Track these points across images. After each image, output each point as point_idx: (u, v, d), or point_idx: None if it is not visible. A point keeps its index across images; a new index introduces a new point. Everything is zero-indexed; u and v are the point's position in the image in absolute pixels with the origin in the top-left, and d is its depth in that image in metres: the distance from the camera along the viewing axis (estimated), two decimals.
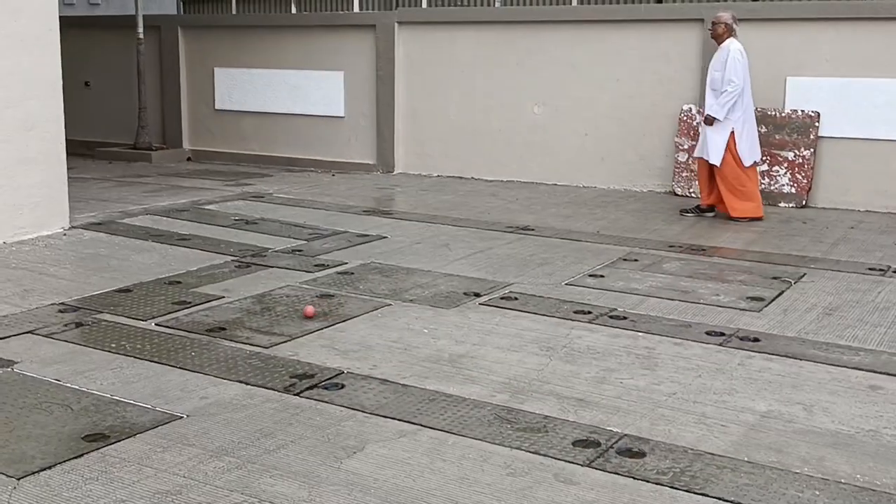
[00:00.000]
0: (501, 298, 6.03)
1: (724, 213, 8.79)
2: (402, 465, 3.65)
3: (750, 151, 8.68)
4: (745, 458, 3.75)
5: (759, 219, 8.71)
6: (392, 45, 11.67)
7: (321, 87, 12.13)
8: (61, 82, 7.92)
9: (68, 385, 4.50)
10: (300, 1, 12.82)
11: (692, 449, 3.83)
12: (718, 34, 8.68)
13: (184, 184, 10.80)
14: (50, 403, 4.28)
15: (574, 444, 3.85)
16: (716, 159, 8.62)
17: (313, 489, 3.45)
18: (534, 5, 11.24)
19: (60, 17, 8.02)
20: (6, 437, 3.91)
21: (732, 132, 8.57)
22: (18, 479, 3.53)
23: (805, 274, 6.75)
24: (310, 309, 4.65)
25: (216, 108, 13.00)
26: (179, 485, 3.49)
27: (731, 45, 8.59)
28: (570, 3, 11.07)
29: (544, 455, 3.75)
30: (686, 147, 10.08)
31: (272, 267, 6.88)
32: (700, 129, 8.98)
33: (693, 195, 10.01)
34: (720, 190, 8.74)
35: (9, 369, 4.71)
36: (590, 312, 5.72)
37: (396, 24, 11.68)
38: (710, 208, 8.93)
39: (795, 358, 4.95)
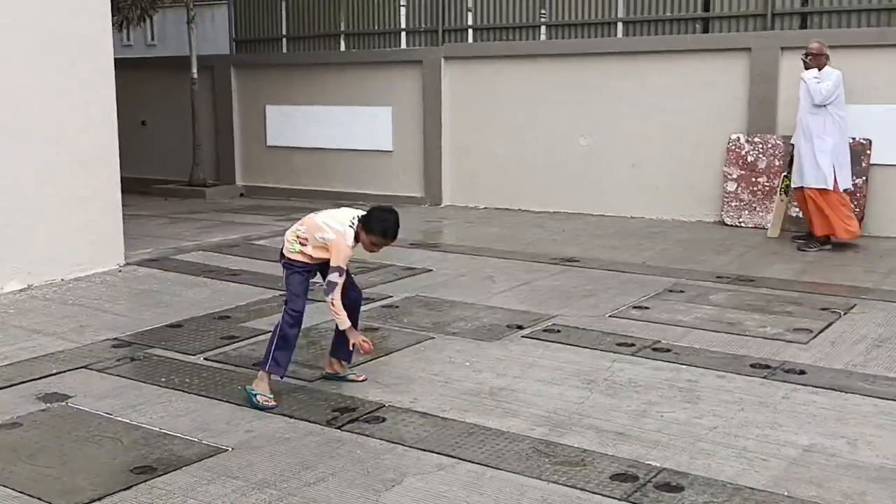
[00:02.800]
0: (544, 331, 6.06)
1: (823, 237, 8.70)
2: (439, 499, 3.69)
3: (841, 176, 8.60)
4: (785, 493, 3.72)
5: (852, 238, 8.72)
6: (439, 80, 11.82)
7: (370, 122, 12.32)
8: (116, 121, 8.17)
9: (119, 419, 4.63)
10: (348, 38, 13.03)
11: (731, 483, 3.81)
12: (822, 64, 8.64)
13: (236, 219, 11.01)
14: (101, 437, 4.41)
15: (612, 478, 3.86)
16: (818, 182, 8.54)
17: None
18: (579, 38, 11.28)
19: (118, 58, 8.29)
20: (59, 470, 4.03)
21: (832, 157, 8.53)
22: None
23: (855, 305, 6.66)
24: (367, 346, 4.82)
25: (268, 144, 13.26)
26: None
27: (831, 73, 8.57)
28: (616, 35, 11.11)
29: (581, 489, 3.76)
30: (735, 176, 10.04)
31: (319, 301, 6.95)
32: (795, 158, 8.88)
33: (742, 225, 9.94)
34: (824, 214, 8.60)
35: (63, 403, 4.86)
36: (633, 345, 5.71)
37: (443, 60, 11.83)
38: (827, 238, 8.74)
39: (841, 391, 4.90)
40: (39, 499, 3.76)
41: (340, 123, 12.53)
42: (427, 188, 12.05)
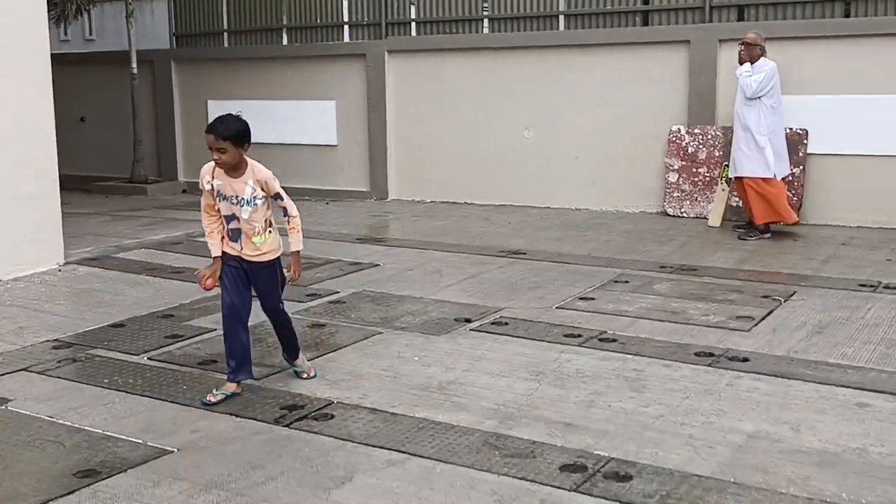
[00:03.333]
0: (492, 324, 6.07)
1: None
2: (390, 495, 3.68)
3: (778, 165, 8.73)
4: (732, 480, 3.78)
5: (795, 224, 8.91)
6: (382, 74, 11.77)
7: (314, 116, 12.23)
8: (54, 119, 8.00)
9: (61, 422, 4.54)
10: (291, 32, 12.91)
11: (679, 471, 3.86)
12: (755, 55, 8.74)
13: (178, 216, 10.85)
14: (43, 440, 4.32)
15: (561, 468, 3.88)
16: (759, 171, 8.68)
17: None
18: (521, 31, 11.31)
19: (55, 53, 8.12)
20: (0, 475, 3.94)
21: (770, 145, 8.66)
22: None
23: (795, 292, 6.78)
24: (209, 283, 4.75)
25: None
26: None
27: (765, 64, 8.67)
28: (558, 28, 11.16)
29: (531, 481, 3.77)
30: (676, 167, 10.16)
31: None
32: (733, 150, 8.99)
33: (684, 215, 10.07)
34: (766, 202, 8.72)
35: (2, 407, 4.75)
36: (580, 336, 5.75)
37: (386, 53, 11.78)
38: (767, 227, 8.87)
39: (784, 377, 4.98)
40: None
41: (284, 118, 12.41)
42: (373, 182, 12.00)
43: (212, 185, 4.71)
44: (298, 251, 4.89)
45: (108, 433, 4.38)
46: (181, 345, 5.77)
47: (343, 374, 5.17)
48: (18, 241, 7.65)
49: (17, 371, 5.33)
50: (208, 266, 4.88)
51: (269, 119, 12.46)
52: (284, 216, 4.84)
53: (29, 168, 7.75)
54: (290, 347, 5.07)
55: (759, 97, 8.62)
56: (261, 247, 4.77)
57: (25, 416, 4.63)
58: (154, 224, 10.29)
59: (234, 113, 4.68)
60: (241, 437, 4.31)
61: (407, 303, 6.67)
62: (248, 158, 4.70)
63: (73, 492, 3.78)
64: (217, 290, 4.89)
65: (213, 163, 4.67)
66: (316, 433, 4.32)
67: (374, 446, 4.15)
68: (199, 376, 5.17)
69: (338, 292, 7.03)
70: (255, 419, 4.51)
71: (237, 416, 4.57)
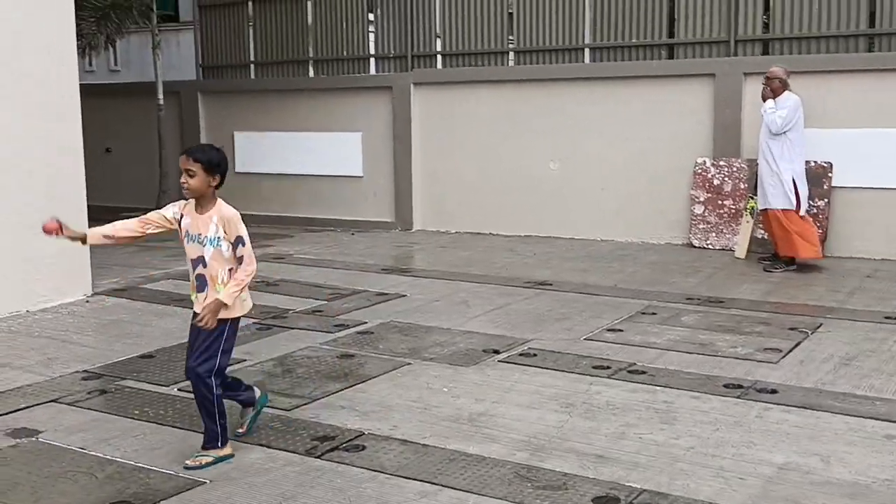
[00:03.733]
0: (520, 355, 6.07)
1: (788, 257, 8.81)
2: None
3: (803, 199, 8.74)
4: None
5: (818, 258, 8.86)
6: (408, 105, 11.87)
7: (340, 148, 12.33)
8: (82, 150, 8.10)
9: (93, 453, 4.56)
10: (317, 64, 13.05)
11: (710, 503, 3.84)
12: (775, 88, 8.76)
13: None
14: (75, 472, 4.34)
15: (594, 500, 3.87)
16: (783, 203, 8.66)
17: None
18: (547, 63, 11.39)
19: (81, 84, 8.22)
20: None
21: (793, 179, 8.66)
22: None
23: (822, 324, 6.75)
24: (51, 224, 4.31)
25: (236, 170, 13.20)
26: None
27: (789, 99, 8.69)
28: (583, 61, 11.23)
29: None
30: (702, 199, 10.15)
31: (293, 328, 6.96)
32: (760, 182, 8.98)
33: (710, 247, 10.05)
34: (789, 235, 8.69)
35: (34, 439, 4.78)
36: (609, 367, 5.75)
37: (412, 85, 11.89)
38: (792, 259, 8.83)
39: (812, 409, 4.96)
40: None
41: (310, 149, 12.52)
42: (398, 213, 12.07)
43: (179, 217, 4.44)
44: (226, 304, 4.31)
45: (140, 464, 4.40)
46: None
47: (373, 405, 5.18)
48: (46, 271, 7.73)
49: (46, 402, 5.37)
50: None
51: (295, 150, 12.61)
52: (237, 266, 4.35)
53: (57, 199, 7.83)
54: (205, 429, 4.42)
55: (784, 131, 8.63)
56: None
57: (57, 447, 4.66)
58: (180, 255, 10.28)
59: (216, 146, 4.48)
60: (273, 468, 4.33)
61: (435, 333, 6.68)
62: (218, 198, 4.43)
63: None
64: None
65: (184, 200, 4.45)
66: (347, 464, 4.33)
67: (405, 478, 4.16)
68: (229, 407, 5.17)
69: (365, 322, 7.05)
70: (286, 450, 4.53)
71: (268, 447, 4.58)
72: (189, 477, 4.24)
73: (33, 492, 4.12)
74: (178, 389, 5.54)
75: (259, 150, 12.92)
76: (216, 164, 4.35)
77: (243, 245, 4.34)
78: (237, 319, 4.48)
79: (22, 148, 7.60)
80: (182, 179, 4.34)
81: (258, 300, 7.87)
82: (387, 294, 8.08)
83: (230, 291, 4.30)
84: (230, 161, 13.21)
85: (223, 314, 4.34)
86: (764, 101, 8.85)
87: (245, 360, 6.08)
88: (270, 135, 12.84)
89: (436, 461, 4.34)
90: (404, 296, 8.02)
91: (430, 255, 10.25)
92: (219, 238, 4.34)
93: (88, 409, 5.23)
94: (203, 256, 4.37)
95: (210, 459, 4.36)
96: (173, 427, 4.91)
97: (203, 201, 4.39)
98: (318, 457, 4.44)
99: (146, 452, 4.56)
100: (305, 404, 5.20)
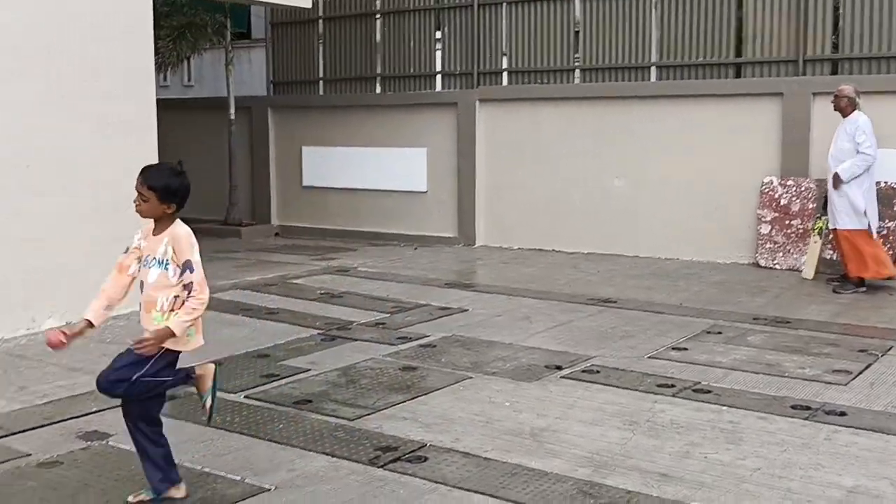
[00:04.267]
0: (583, 371, 6.05)
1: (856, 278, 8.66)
2: None
3: (873, 219, 8.60)
4: None
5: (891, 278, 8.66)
6: (473, 122, 11.94)
7: (404, 163, 12.45)
8: (158, 160, 8.30)
9: None
10: (385, 81, 13.20)
11: None
12: (842, 107, 8.66)
13: (272, 258, 11.11)
14: (143, 476, 4.41)
15: None
16: (853, 224, 8.54)
17: None
18: (613, 81, 11.37)
19: (156, 99, 8.44)
20: None
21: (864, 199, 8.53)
22: None
23: (892, 347, 6.61)
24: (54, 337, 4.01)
25: (303, 184, 13.42)
26: None
27: (859, 118, 8.57)
28: (649, 79, 11.18)
29: None
30: (769, 219, 10.02)
31: (356, 340, 7.03)
32: (829, 202, 8.83)
33: (777, 267, 9.91)
34: (859, 255, 8.55)
35: (104, 442, 4.90)
36: (673, 386, 5.70)
37: (478, 102, 11.96)
38: (862, 281, 8.68)
39: (882, 432, 4.86)
40: None
41: (375, 164, 12.66)
42: (461, 228, 12.12)
43: (139, 245, 4.10)
44: (173, 334, 3.91)
45: (207, 470, 4.49)
46: (277, 384, 5.89)
47: (435, 417, 5.21)
48: None
49: (117, 407, 5.45)
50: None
51: (362, 165, 12.75)
52: (187, 295, 3.94)
53: (130, 210, 8.01)
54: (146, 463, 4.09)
55: (858, 151, 8.47)
56: (158, 325, 3.96)
57: (126, 451, 4.74)
58: (248, 266, 10.55)
59: (178, 166, 4.09)
60: (337, 476, 4.38)
61: (497, 348, 6.70)
62: (177, 219, 4.06)
63: None
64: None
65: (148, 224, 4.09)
66: (410, 475, 4.36)
67: (467, 490, 4.17)
68: (294, 416, 5.26)
69: (428, 336, 7.09)
70: (349, 459, 4.58)
71: (332, 455, 4.63)
72: (254, 483, 4.31)
73: (103, 493, 4.22)
74: (245, 397, 5.63)
75: (326, 165, 13.10)
76: (173, 191, 3.97)
77: (191, 271, 3.91)
78: (175, 353, 4.06)
79: (101, 161, 7.81)
80: (135, 200, 4.01)
81: (323, 312, 8.00)
82: (449, 308, 8.12)
83: (181, 320, 3.90)
84: (297, 175, 13.44)
85: (167, 344, 3.95)
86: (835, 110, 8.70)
87: (310, 370, 6.17)
88: (337, 150, 13.01)
89: (497, 475, 4.35)
90: (466, 310, 8.05)
91: (493, 271, 10.26)
92: (167, 260, 3.95)
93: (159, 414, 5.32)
94: (143, 279, 4.02)
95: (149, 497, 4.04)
96: (240, 434, 4.99)
97: (159, 223, 4.04)
98: (381, 467, 4.47)
99: (213, 458, 4.64)
100: (368, 414, 5.25)
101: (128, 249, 4.14)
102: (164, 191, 3.96)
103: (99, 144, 7.80)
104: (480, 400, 5.50)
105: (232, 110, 13.32)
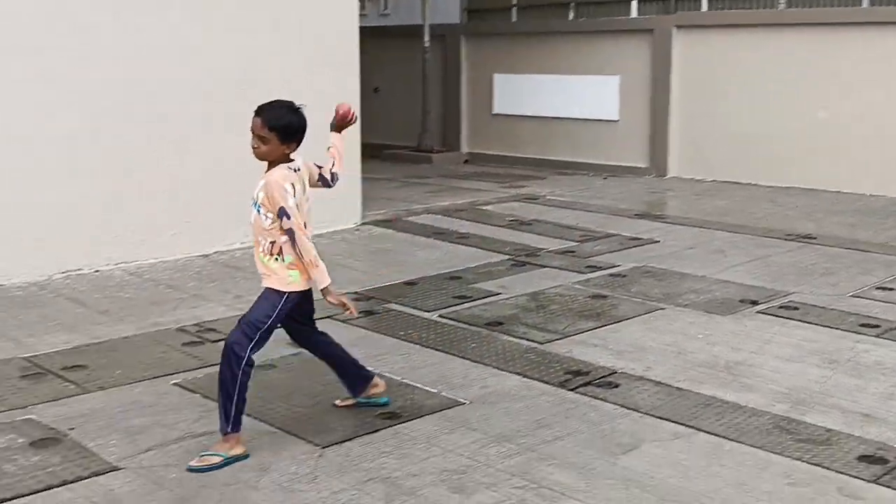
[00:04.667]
0: (780, 307, 5.88)
1: None
2: (678, 467, 3.70)
3: None
4: None
5: None
6: (669, 49, 11.58)
7: (596, 91, 12.25)
8: (359, 89, 8.56)
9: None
10: (578, 7, 12.97)
11: None
12: None
13: (462, 185, 11.28)
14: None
15: (859, 458, 3.74)
16: None
17: (590, 481, 3.58)
18: (821, 6, 10.73)
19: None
20: (311, 410, 4.33)
21: None
22: (323, 448, 3.92)
23: None
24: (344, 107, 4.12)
25: (493, 112, 13.45)
26: (465, 465, 3.74)
27: None
28: (861, 5, 10.48)
29: (827, 468, 3.66)
30: None
31: (545, 266, 7.09)
32: None
33: None
34: None
35: None
36: (878, 326, 5.46)
37: (674, 28, 11.57)
38: None
39: None
40: (296, 435, 4.05)
41: (566, 92, 12.52)
42: (652, 159, 11.87)
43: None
44: (326, 286, 3.88)
45: (405, 381, 4.69)
46: (468, 305, 6.04)
47: (626, 345, 5.21)
48: (325, 200, 8.21)
49: (322, 318, 5.73)
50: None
51: (552, 93, 12.64)
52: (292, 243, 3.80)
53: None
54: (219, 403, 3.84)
55: None
56: (265, 265, 3.89)
57: None
58: (440, 191, 10.76)
59: (297, 104, 3.88)
60: (529, 395, 4.48)
61: (689, 280, 6.59)
62: (281, 163, 3.88)
63: (377, 431, 4.09)
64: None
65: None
66: (601, 400, 4.40)
67: (659, 418, 4.18)
68: (486, 336, 5.40)
69: (618, 266, 7.06)
70: (540, 381, 4.66)
71: (524, 375, 4.74)
72: (450, 396, 4.47)
73: (312, 396, 4.49)
74: (439, 316, 5.81)
75: (517, 93, 13.07)
76: (294, 130, 3.81)
77: (287, 218, 3.75)
78: (279, 292, 3.90)
79: (306, 88, 8.10)
80: (253, 143, 3.80)
81: (512, 238, 8.10)
82: (640, 239, 8.03)
83: (318, 273, 3.85)
84: (488, 102, 13.46)
85: (274, 284, 3.88)
86: None
87: (500, 294, 6.28)
88: (529, 77, 12.94)
89: (690, 405, 4.33)
90: (657, 241, 7.94)
91: (685, 203, 10.03)
92: (260, 204, 3.81)
93: (359, 326, 5.59)
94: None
95: (218, 460, 3.75)
96: (435, 350, 5.17)
97: (271, 165, 3.87)
98: (572, 390, 4.54)
99: (411, 370, 4.84)
100: (558, 339, 5.32)
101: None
102: (285, 130, 3.78)
103: (302, 71, 8.09)
104: (672, 331, 5.46)
105: (426, 38, 13.45)
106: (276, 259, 3.85)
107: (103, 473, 3.67)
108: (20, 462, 3.75)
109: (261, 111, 3.79)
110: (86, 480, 3.61)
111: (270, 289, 3.88)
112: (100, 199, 6.98)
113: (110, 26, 6.98)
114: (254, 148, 3.80)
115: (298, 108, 3.85)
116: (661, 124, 11.73)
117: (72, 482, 3.59)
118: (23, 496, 3.47)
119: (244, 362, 3.77)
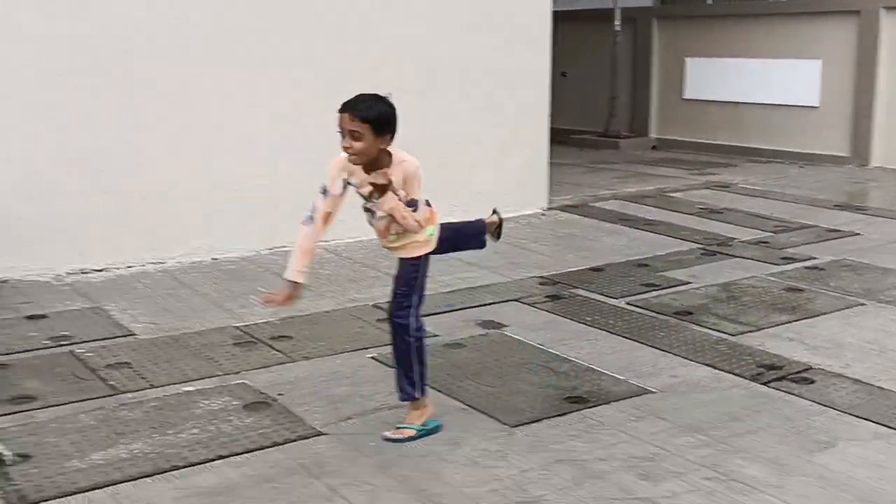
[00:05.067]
0: None
1: None
2: (877, 469, 3.58)
3: None
4: None
5: None
6: (876, 32, 10.99)
7: (795, 75, 11.78)
8: (550, 74, 8.61)
9: (550, 350, 4.97)
10: None
11: None
12: None
13: (649, 171, 11.14)
14: (535, 365, 4.77)
15: None
16: None
17: (783, 477, 3.53)
18: None
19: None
20: (500, 389, 4.45)
21: None
22: (512, 427, 4.02)
23: None
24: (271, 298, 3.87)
25: (684, 97, 13.18)
26: (652, 453, 3.75)
27: None
28: None
29: None
30: None
31: (737, 257, 6.93)
32: None
33: None
34: None
35: (499, 331, 5.31)
36: None
37: (882, 10, 10.97)
38: None
39: None
40: (485, 413, 4.18)
41: (763, 77, 12.10)
42: (854, 147, 11.32)
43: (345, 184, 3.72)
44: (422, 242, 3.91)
45: (592, 366, 4.72)
46: (657, 293, 6.00)
47: (822, 340, 5.06)
48: (511, 183, 8.36)
49: (509, 301, 5.91)
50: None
51: (747, 77, 12.26)
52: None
53: (527, 117, 8.43)
54: (400, 374, 3.92)
55: None
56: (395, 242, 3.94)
57: (519, 341, 5.14)
58: (627, 177, 10.67)
59: (382, 94, 3.63)
60: (720, 388, 4.43)
61: (892, 276, 6.30)
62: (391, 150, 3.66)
63: (565, 414, 4.15)
64: None
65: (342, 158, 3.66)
66: (795, 395, 4.30)
67: (857, 417, 4.05)
68: (675, 325, 5.35)
69: (815, 258, 6.82)
70: (731, 373, 4.59)
71: (714, 367, 4.68)
72: (638, 384, 4.48)
73: (500, 376, 4.61)
74: (626, 303, 5.80)
75: (710, 77, 12.74)
76: (386, 120, 3.56)
77: (415, 209, 3.73)
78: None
79: (496, 69, 8.24)
80: (345, 144, 3.55)
81: (701, 226, 7.96)
82: (839, 231, 7.71)
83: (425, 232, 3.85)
84: (678, 87, 13.22)
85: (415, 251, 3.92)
86: None
87: (689, 283, 6.20)
88: (722, 61, 12.58)
89: (892, 405, 4.17)
90: (858, 234, 7.60)
91: (889, 194, 9.53)
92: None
93: (545, 310, 5.67)
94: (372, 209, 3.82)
95: (413, 433, 3.87)
96: (622, 337, 5.18)
97: (372, 165, 3.63)
98: (765, 384, 4.45)
99: (598, 357, 4.87)
100: (750, 331, 5.21)
101: (326, 192, 3.70)
102: (379, 121, 3.53)
103: (495, 55, 8.22)
104: (874, 328, 5.24)
105: (617, 21, 13.31)
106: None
107: (309, 437, 3.92)
108: (235, 423, 4.06)
109: (347, 105, 3.55)
110: (294, 443, 3.86)
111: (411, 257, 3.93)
112: (304, 181, 7.33)
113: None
114: (345, 148, 3.56)
115: (384, 97, 3.61)
116: (865, 111, 11.16)
117: (281, 444, 3.85)
118: (237, 454, 3.76)
119: (411, 329, 3.89)
